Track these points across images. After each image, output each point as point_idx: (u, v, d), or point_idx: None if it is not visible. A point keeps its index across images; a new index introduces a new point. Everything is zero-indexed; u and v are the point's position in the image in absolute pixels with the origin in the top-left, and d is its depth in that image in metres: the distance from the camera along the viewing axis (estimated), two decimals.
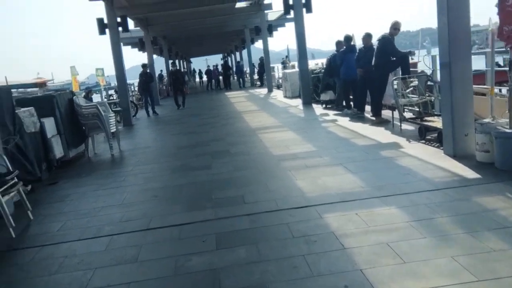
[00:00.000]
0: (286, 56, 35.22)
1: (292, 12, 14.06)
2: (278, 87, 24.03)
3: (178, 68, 16.64)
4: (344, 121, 9.61)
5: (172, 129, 11.86)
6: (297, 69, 22.07)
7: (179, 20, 22.49)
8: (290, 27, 32.82)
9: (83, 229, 4.48)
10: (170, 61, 22.64)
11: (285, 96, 18.00)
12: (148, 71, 16.46)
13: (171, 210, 4.80)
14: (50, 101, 7.98)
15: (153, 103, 16.37)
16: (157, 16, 20.99)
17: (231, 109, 15.41)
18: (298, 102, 14.83)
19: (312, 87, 14.39)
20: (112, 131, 9.06)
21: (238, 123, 11.42)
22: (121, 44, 30.28)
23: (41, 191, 6.31)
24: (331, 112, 11.30)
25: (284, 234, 3.82)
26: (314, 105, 13.53)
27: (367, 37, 10.18)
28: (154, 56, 40.25)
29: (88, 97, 11.31)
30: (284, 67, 29.46)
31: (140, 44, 22.14)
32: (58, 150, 7.75)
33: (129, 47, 33.38)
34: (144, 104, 16.70)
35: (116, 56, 13.62)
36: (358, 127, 8.68)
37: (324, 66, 14.59)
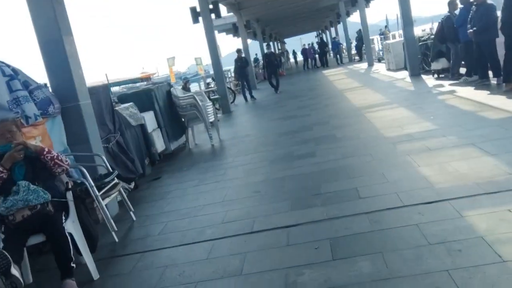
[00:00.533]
0: (386, 26, 33.05)
1: None
2: (379, 60, 22.45)
3: (272, 50, 16.15)
4: (466, 91, 8.32)
5: (271, 114, 11.41)
6: (400, 38, 20.44)
7: (271, 0, 21.92)
8: None
9: (184, 232, 4.15)
10: (265, 44, 22.29)
11: (388, 69, 16.61)
12: (243, 55, 16.20)
13: (275, 208, 4.27)
14: (149, 95, 7.93)
15: (250, 88, 16.12)
16: None
17: (331, 88, 14.55)
18: (405, 74, 13.49)
19: (420, 57, 12.97)
20: (210, 120, 8.84)
21: (341, 102, 10.59)
22: (215, 31, 30.81)
23: (144, 188, 6.21)
24: (446, 83, 9.97)
25: (415, 239, 3.09)
26: (423, 76, 12.17)
27: None
28: (249, 40, 40.37)
29: (186, 88, 11.30)
30: (384, 38, 27.55)
31: (233, 29, 22.01)
32: (159, 144, 7.69)
33: (224, 33, 33.68)
34: (242, 90, 16.52)
35: (211, 44, 13.48)
36: (485, 97, 7.41)
37: (434, 32, 13.13)
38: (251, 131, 9.37)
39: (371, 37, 25.74)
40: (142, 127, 7.22)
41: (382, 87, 11.92)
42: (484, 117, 6.07)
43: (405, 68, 14.88)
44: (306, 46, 30.70)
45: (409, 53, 12.87)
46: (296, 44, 61.85)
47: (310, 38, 60.98)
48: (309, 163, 5.64)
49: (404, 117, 7.20)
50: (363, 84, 13.76)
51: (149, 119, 7.55)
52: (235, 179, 5.67)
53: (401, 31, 33.19)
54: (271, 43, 42.18)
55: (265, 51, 18.02)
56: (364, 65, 21.56)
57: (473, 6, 8.77)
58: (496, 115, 6.05)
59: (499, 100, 6.86)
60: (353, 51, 29.44)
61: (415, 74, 12.72)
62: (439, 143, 5.27)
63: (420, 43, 12.76)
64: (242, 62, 15.79)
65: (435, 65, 11.41)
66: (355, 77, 16.78)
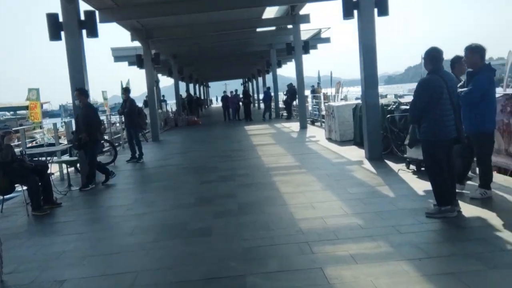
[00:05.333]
0: (318, 83, 30.15)
1: (355, 13, 8.90)
2: (313, 122, 18.75)
3: (131, 96, 10.17)
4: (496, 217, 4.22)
5: (150, 203, 6.62)
6: (349, 101, 16.85)
7: (188, 33, 17.65)
8: (322, 49, 27.72)
9: None
10: (191, 86, 17.70)
11: (329, 139, 12.68)
12: (130, 96, 11.35)
13: None
14: None
15: (138, 143, 11.18)
16: (160, 25, 16.13)
17: (254, 161, 10.09)
18: (358, 153, 9.52)
19: (383, 133, 9.09)
20: None
21: (267, 205, 6.05)
22: (126, 62, 25.64)
23: None
24: None
25: None
26: (389, 163, 8.21)
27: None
28: (169, 79, 35.49)
29: (1, 145, 6.27)
30: (314, 97, 24.25)
31: (137, 61, 17.18)
32: None
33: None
34: (129, 144, 11.59)
35: (75, 72, 8.53)
36: None
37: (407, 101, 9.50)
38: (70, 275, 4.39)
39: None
40: None
41: (332, 175, 7.63)
42: None
43: (355, 143, 11.02)
44: (228, 93, 26.48)
45: (369, 127, 8.89)
46: (220, 89, 58.05)
47: (235, 85, 57.64)
48: None
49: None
50: (300, 160, 9.43)
51: None
52: None
53: (331, 90, 30.48)
54: (191, 85, 37.81)
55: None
56: (294, 126, 17.59)
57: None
58: None
59: None
60: (281, 105, 25.78)
61: (375, 158, 8.75)
62: None
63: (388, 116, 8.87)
64: (131, 107, 10.92)
65: (414, 153, 7.44)
66: (287, 145, 12.51)
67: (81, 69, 8.54)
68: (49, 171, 7.10)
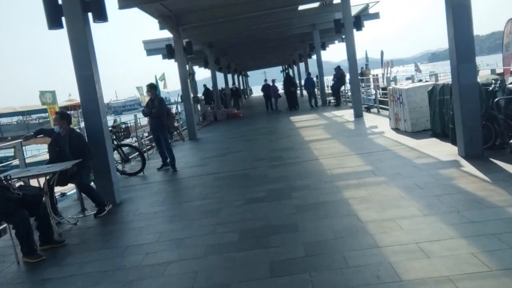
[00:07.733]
0: (366, 65, 27.56)
1: None
2: (368, 109, 16.38)
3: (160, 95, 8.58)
4: None
5: (178, 242, 4.78)
6: (421, 82, 14.27)
7: (222, 16, 15.71)
8: (370, 26, 25.06)
9: None
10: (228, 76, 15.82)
11: (396, 129, 10.46)
12: (159, 95, 9.57)
13: None
14: None
15: (169, 148, 9.41)
16: (189, 9, 14.31)
17: (311, 165, 8.05)
18: (444, 148, 7.36)
19: (483, 121, 6.83)
20: None
21: (348, 248, 4.03)
22: (160, 55, 24.11)
23: None
24: None
25: None
26: (497, 162, 6.00)
27: None
28: (202, 69, 33.92)
29: None
30: (364, 80, 21.57)
31: (167, 52, 15.41)
32: None
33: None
34: (158, 150, 9.83)
35: (80, 66, 6.79)
36: None
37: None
38: None
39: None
40: None
41: (425, 186, 5.48)
42: None
43: (434, 134, 8.81)
44: (270, 82, 24.30)
45: (466, 115, 6.63)
46: (259, 78, 55.99)
47: (275, 72, 55.42)
48: None
49: None
50: (373, 164, 7.26)
51: None
52: None
53: (379, 71, 27.64)
54: (229, 76, 35.98)
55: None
56: (347, 114, 15.37)
57: None
58: None
59: None
60: (327, 90, 23.44)
61: (475, 156, 6.52)
62: None
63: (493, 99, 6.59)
64: (160, 107, 9.09)
65: None
66: (347, 140, 10.35)
67: (88, 63, 6.77)
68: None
